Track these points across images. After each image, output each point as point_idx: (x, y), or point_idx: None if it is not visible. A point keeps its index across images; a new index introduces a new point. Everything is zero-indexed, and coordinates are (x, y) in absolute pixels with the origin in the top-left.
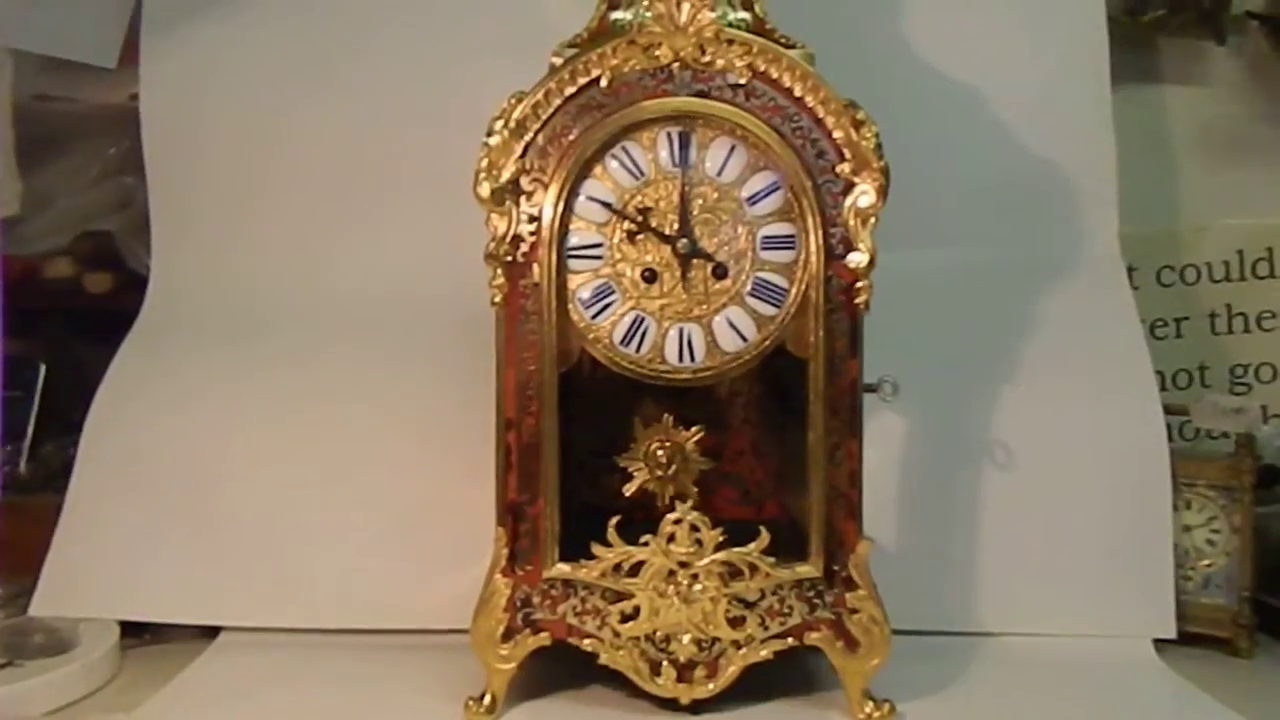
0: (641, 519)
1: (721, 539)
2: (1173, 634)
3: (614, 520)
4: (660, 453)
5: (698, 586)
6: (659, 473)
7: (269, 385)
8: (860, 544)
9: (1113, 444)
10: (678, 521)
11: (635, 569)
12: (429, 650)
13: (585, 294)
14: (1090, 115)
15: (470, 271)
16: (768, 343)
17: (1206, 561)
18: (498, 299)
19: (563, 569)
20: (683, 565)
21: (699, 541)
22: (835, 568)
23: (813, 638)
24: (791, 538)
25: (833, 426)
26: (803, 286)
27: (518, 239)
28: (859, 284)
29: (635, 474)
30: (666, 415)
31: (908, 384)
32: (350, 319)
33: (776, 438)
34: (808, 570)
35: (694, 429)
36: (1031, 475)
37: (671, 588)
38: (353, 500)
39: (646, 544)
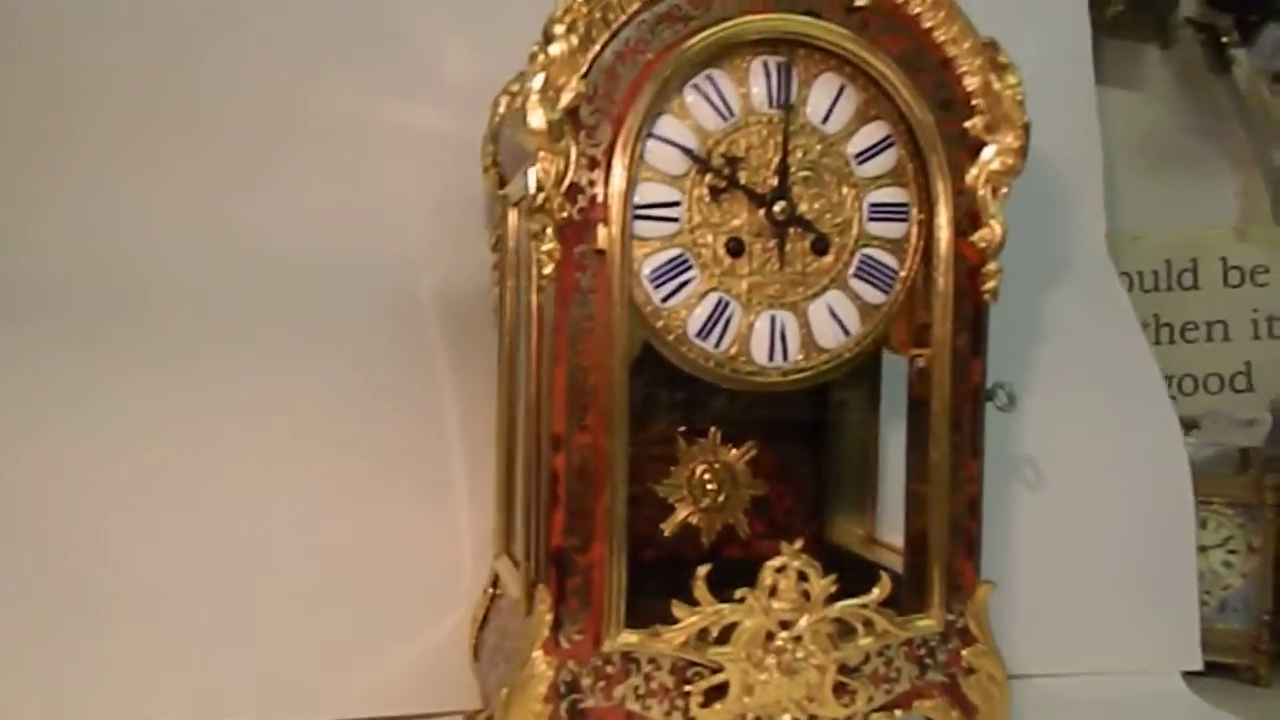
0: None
1: (833, 589)
2: (1199, 665)
3: (704, 569)
4: (707, 477)
5: (801, 652)
6: (705, 503)
7: (119, 399)
8: (980, 588)
9: (1129, 462)
10: (781, 569)
11: (724, 633)
12: None
13: (653, 268)
14: (1076, 113)
15: (391, 241)
16: (870, 339)
17: (1224, 584)
18: (548, 270)
19: (628, 639)
20: (783, 625)
21: (805, 594)
22: (950, 617)
23: (924, 707)
24: (857, 578)
25: (955, 442)
26: (915, 268)
27: (575, 189)
28: (988, 267)
29: (677, 505)
30: (713, 430)
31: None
32: (238, 304)
33: (812, 453)
34: (929, 624)
35: (745, 446)
36: (1050, 498)
37: (771, 656)
38: (250, 553)
39: (742, 600)
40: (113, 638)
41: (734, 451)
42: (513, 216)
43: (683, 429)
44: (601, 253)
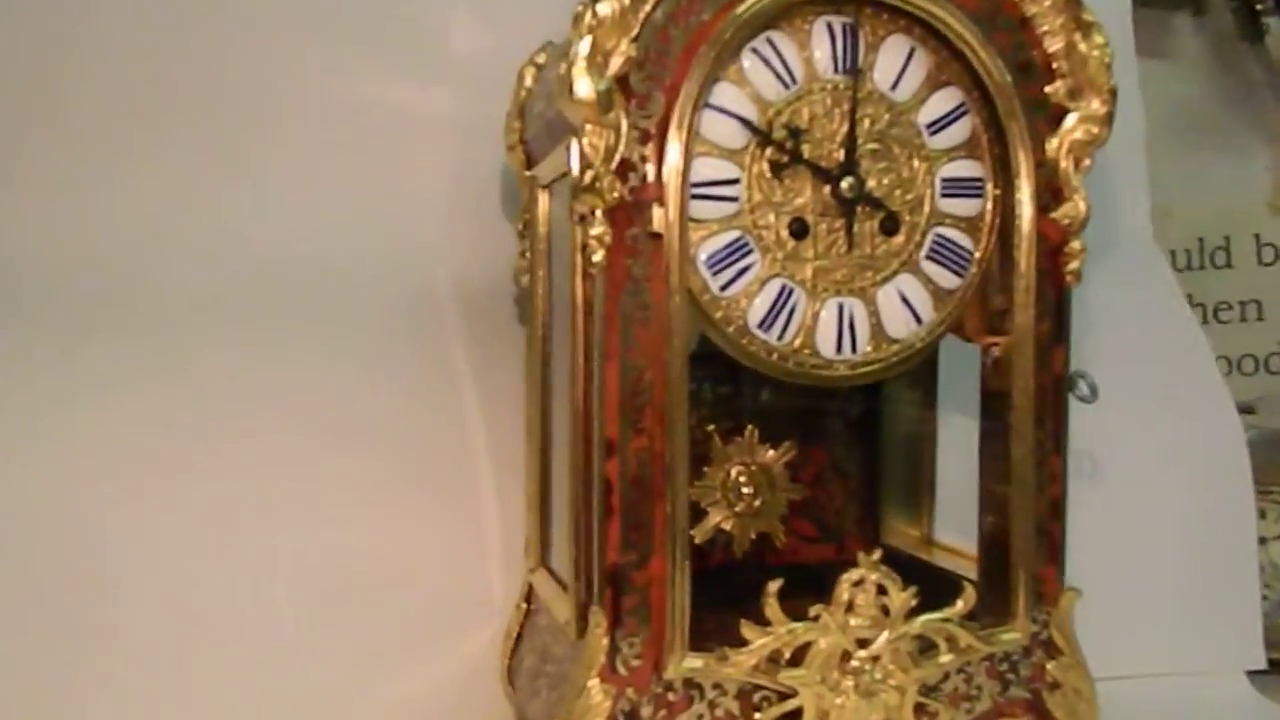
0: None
1: (914, 602)
2: (1263, 664)
3: (775, 584)
4: (743, 479)
5: (879, 673)
6: (739, 508)
7: (115, 403)
8: (1064, 595)
9: (1185, 453)
10: (858, 583)
11: (797, 655)
12: None
13: (711, 253)
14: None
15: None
16: (942, 327)
17: None
18: (598, 257)
19: (693, 664)
20: (860, 644)
21: (884, 609)
22: (1034, 629)
23: None
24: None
25: (1037, 438)
26: (990, 248)
27: (625, 166)
28: (1070, 245)
29: (710, 510)
30: (750, 428)
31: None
32: (242, 303)
33: (862, 451)
34: (1015, 638)
35: (783, 447)
36: (1103, 493)
37: (847, 678)
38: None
39: (817, 618)
40: (106, 660)
41: (771, 453)
42: (543, 199)
43: (711, 427)
44: (656, 236)
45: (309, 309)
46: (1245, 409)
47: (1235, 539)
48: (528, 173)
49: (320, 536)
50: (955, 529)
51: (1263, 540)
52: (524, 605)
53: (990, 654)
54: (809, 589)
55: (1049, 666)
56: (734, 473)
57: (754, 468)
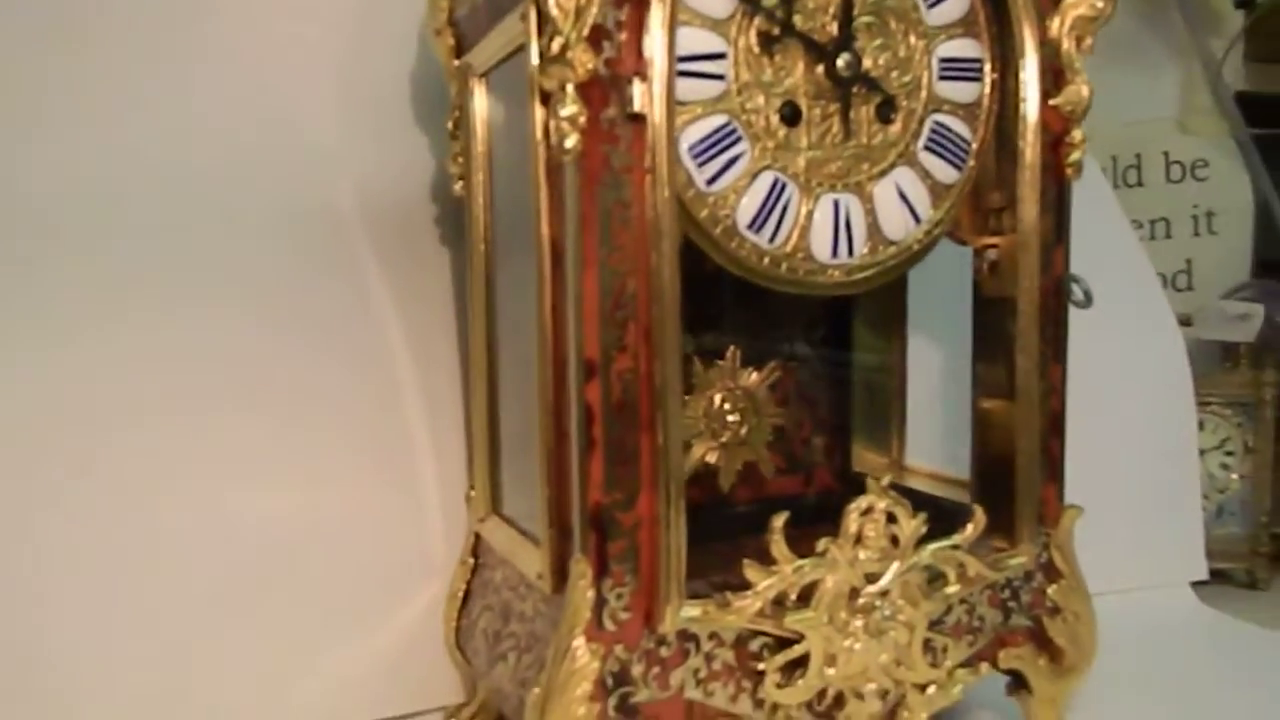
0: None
1: (925, 529)
2: (1205, 575)
3: (780, 518)
4: (727, 407)
5: (888, 609)
6: (725, 437)
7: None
8: (1065, 514)
9: (1130, 366)
10: (867, 511)
11: (802, 595)
12: None
13: (695, 140)
14: None
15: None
16: (939, 227)
17: (1220, 488)
18: (571, 142)
19: (691, 613)
20: (869, 579)
21: (894, 539)
22: (1035, 552)
23: (1009, 657)
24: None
25: (1040, 347)
26: (987, 139)
27: (599, 34)
28: (1072, 135)
29: (693, 441)
30: (732, 349)
31: None
32: (127, 242)
33: (829, 374)
34: (1021, 562)
35: (767, 367)
36: None
37: (856, 617)
38: (166, 543)
39: (824, 553)
40: (26, 629)
41: (755, 375)
42: (480, 92)
43: (689, 350)
44: (637, 119)
45: (201, 245)
46: (1182, 321)
47: (1177, 452)
48: (458, 61)
49: (234, 502)
50: (923, 453)
51: (1202, 452)
52: (470, 560)
53: (992, 582)
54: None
55: (1050, 591)
56: (718, 399)
57: (738, 392)
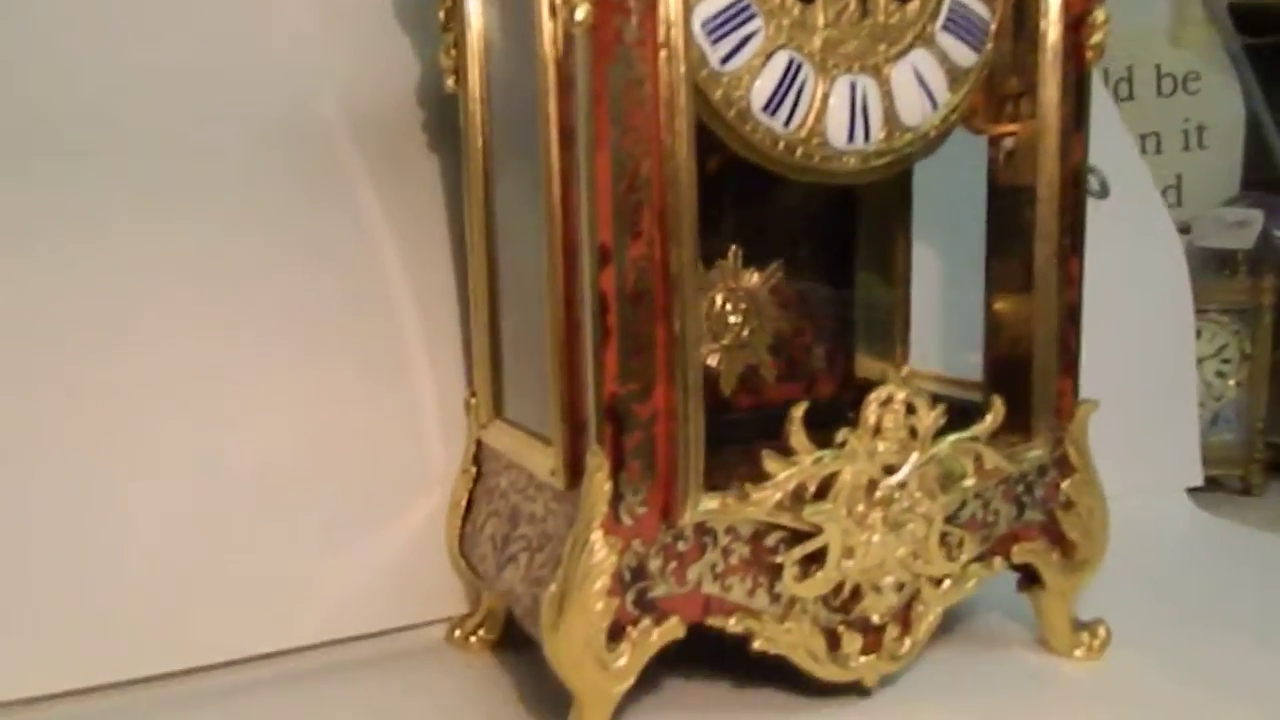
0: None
1: (943, 420)
2: (1200, 481)
3: (798, 409)
4: (729, 308)
5: (906, 501)
6: (726, 340)
7: None
8: (1080, 408)
9: (1130, 274)
10: (886, 402)
11: (821, 488)
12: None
13: (708, 17)
14: None
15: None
16: (956, 112)
17: (1216, 396)
18: (582, 14)
19: (709, 506)
20: (887, 471)
21: (913, 430)
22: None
23: (1022, 551)
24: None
25: (1059, 238)
26: (1004, 19)
27: None
28: (1093, 16)
29: None
30: (734, 249)
31: None
32: (105, 150)
33: (833, 276)
34: (1038, 455)
35: (770, 268)
36: None
37: (875, 509)
38: (155, 462)
39: (843, 444)
40: (18, 551)
41: (756, 276)
42: None
43: None
44: None
45: (181, 157)
46: (1180, 229)
47: (1175, 360)
48: None
49: (229, 417)
50: (927, 359)
51: (1199, 360)
52: (472, 469)
53: (1007, 476)
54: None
55: (1063, 485)
56: (719, 300)
57: (739, 293)
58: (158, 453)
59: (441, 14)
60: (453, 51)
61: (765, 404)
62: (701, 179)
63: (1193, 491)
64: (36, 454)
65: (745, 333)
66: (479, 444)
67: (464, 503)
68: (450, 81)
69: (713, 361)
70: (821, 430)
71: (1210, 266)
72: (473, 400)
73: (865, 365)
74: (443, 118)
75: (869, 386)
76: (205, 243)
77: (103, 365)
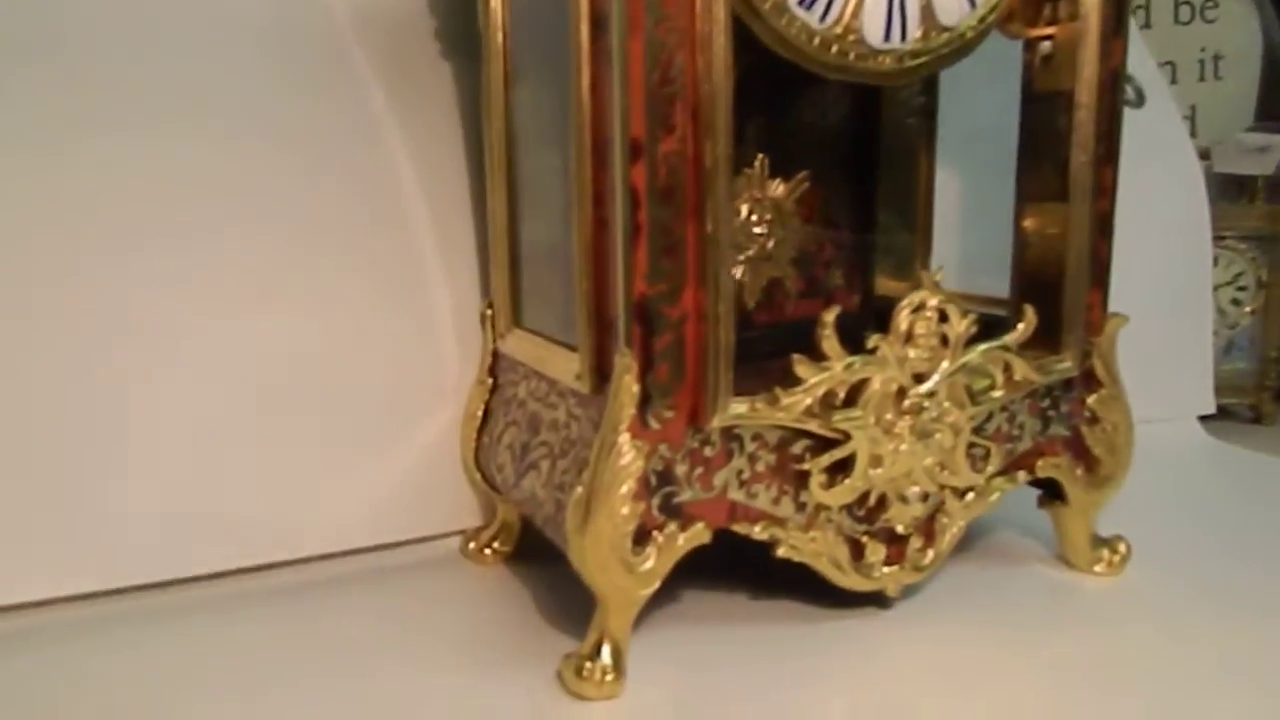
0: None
1: (974, 330)
2: (1212, 409)
3: (830, 314)
4: (754, 219)
5: (935, 410)
6: (752, 251)
7: None
8: (1110, 322)
9: (1150, 198)
10: (918, 309)
11: (849, 395)
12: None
13: None
14: None
15: None
16: (994, 14)
17: (1230, 324)
18: None
19: (738, 410)
20: (916, 379)
21: (944, 339)
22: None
23: (1046, 466)
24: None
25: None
26: None
27: None
28: None
29: None
30: (760, 157)
31: None
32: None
33: (854, 189)
34: (1066, 367)
35: (796, 178)
36: None
37: (903, 418)
38: (179, 370)
39: (874, 350)
40: (27, 474)
41: (782, 186)
42: None
43: None
44: None
45: (186, 66)
46: (1200, 154)
47: (1192, 287)
48: None
49: (244, 329)
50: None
51: (1214, 287)
52: (488, 380)
53: (1033, 389)
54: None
55: (1089, 400)
56: (744, 210)
57: (765, 203)
58: (168, 360)
59: None
60: None
61: (785, 319)
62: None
63: (1204, 419)
64: (47, 359)
65: (770, 244)
66: (495, 355)
67: (480, 414)
68: None
69: (737, 274)
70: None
71: (1228, 193)
72: (488, 311)
73: (886, 283)
74: (458, 20)
75: (890, 304)
76: (211, 150)
77: (110, 270)
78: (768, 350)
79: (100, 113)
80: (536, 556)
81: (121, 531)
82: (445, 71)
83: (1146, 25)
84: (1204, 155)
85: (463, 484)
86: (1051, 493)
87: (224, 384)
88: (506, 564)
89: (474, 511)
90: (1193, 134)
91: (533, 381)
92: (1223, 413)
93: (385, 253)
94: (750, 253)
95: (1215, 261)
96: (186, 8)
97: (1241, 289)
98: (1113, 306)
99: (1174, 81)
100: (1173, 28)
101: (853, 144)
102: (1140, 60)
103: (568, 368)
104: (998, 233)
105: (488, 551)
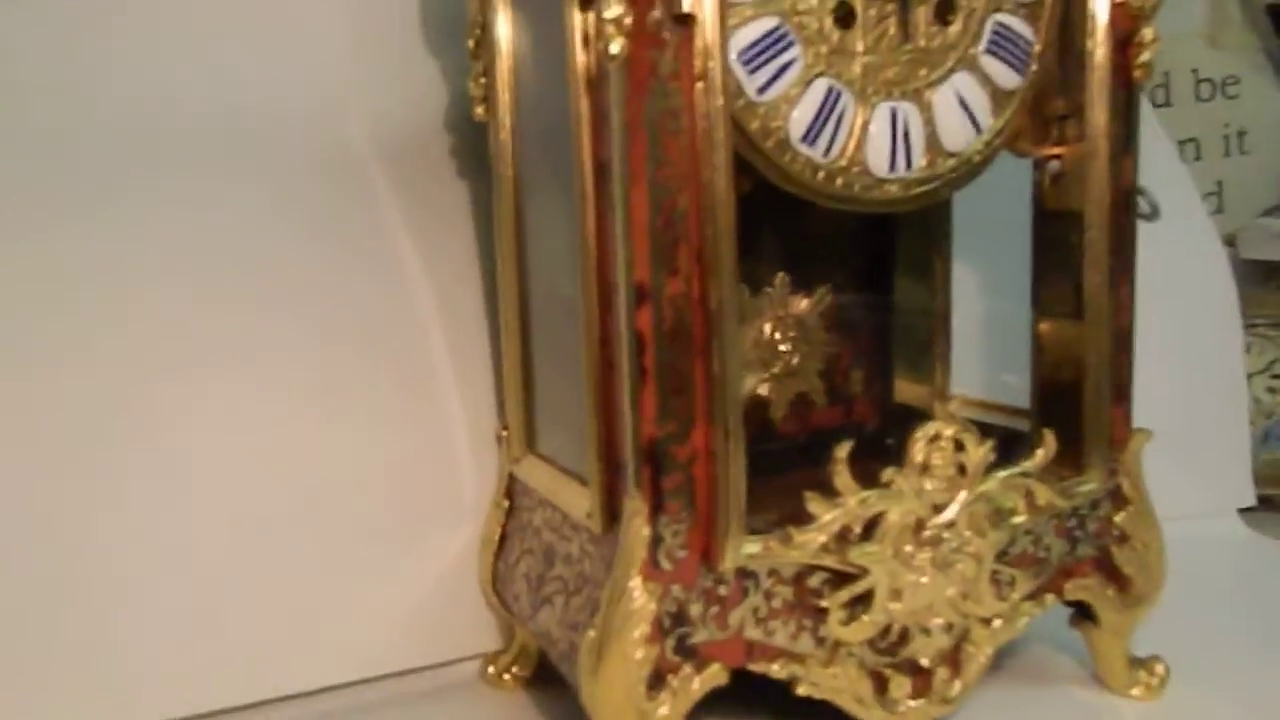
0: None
1: (993, 457)
2: (1252, 501)
3: (844, 448)
4: (778, 336)
5: (955, 540)
6: (777, 368)
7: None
8: (1134, 437)
9: (1174, 287)
10: (934, 439)
11: (866, 529)
12: None
13: (745, 46)
14: None
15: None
16: (1001, 136)
17: (1267, 412)
18: (617, 48)
19: (751, 550)
20: (935, 509)
21: (961, 467)
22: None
23: (1075, 588)
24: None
25: (1109, 262)
26: (1049, 39)
27: None
28: (1141, 34)
29: (743, 373)
30: (782, 275)
31: None
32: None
33: (872, 299)
34: (1092, 489)
35: (818, 292)
36: None
37: (923, 550)
38: (178, 481)
39: (889, 484)
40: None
41: (805, 302)
42: (502, 6)
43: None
44: (685, 19)
45: (205, 186)
46: (1225, 241)
47: (1224, 376)
48: None
49: (253, 442)
50: (969, 381)
51: (1248, 376)
52: (505, 502)
53: (1059, 510)
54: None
55: (1117, 519)
56: (767, 329)
57: (788, 320)
58: (177, 479)
59: (471, 42)
60: (482, 80)
61: (810, 429)
62: (742, 203)
63: (1244, 512)
64: (54, 457)
65: (795, 360)
66: (511, 477)
67: (497, 538)
68: (479, 110)
69: (764, 391)
70: (865, 459)
71: (1257, 278)
72: (504, 432)
73: (907, 389)
74: (473, 143)
75: (912, 411)
76: (220, 272)
77: (121, 376)
78: (793, 461)
79: (110, 230)
80: (556, 682)
81: (129, 669)
82: (462, 191)
83: (1167, 103)
84: (1229, 241)
85: (481, 606)
86: (1083, 613)
87: (233, 507)
88: (526, 689)
89: (493, 634)
90: (1220, 209)
91: (547, 510)
92: (1264, 503)
93: (400, 370)
94: (776, 370)
95: (1247, 349)
96: (206, 126)
97: (1276, 376)
98: (1142, 398)
99: (1198, 158)
100: (1195, 104)
101: (871, 251)
102: (1159, 145)
103: (579, 504)
104: (1017, 332)
105: (507, 676)
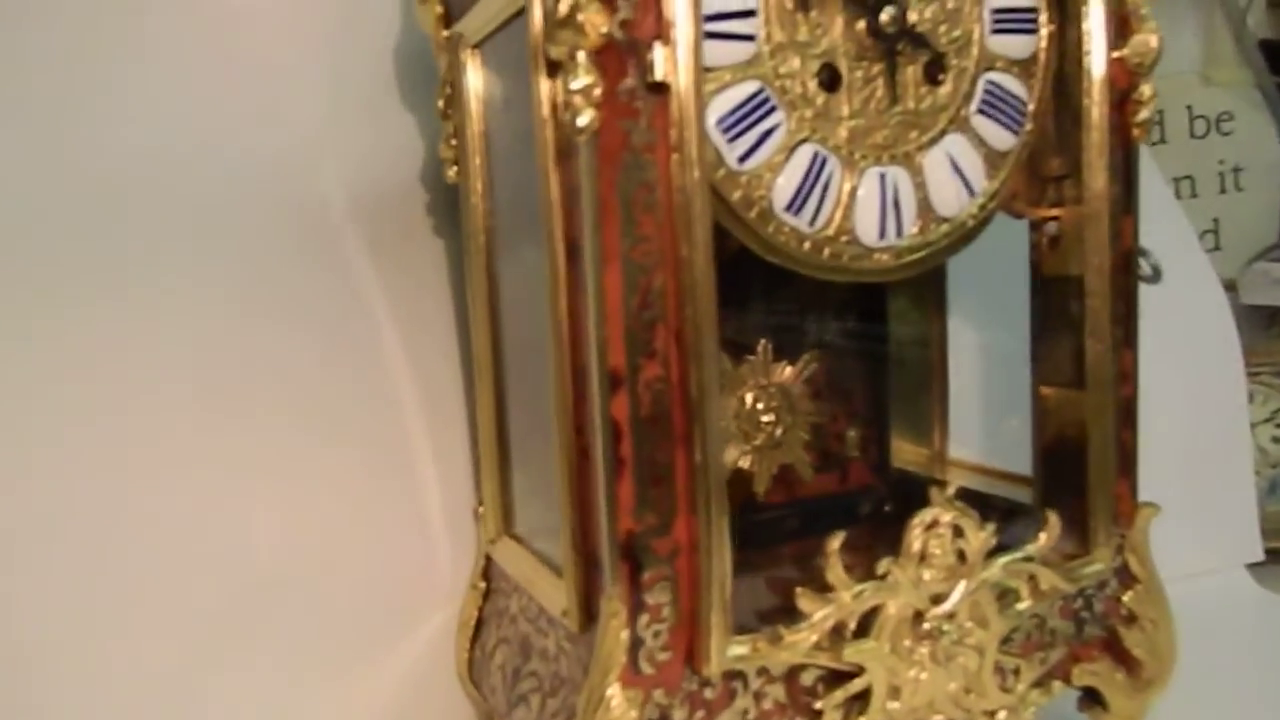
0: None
1: (994, 541)
2: (1260, 556)
3: (836, 540)
4: (760, 406)
5: (955, 633)
6: (759, 440)
7: None
8: (1141, 513)
9: (1175, 336)
10: (931, 526)
11: (862, 624)
12: None
13: (725, 112)
14: None
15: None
16: (995, 200)
17: (1273, 463)
18: (586, 119)
19: (738, 652)
20: (934, 601)
21: (960, 555)
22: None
23: (1083, 673)
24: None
25: (1110, 330)
26: (1044, 99)
27: None
28: (1139, 91)
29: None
30: (764, 343)
31: None
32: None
33: (864, 363)
34: (1098, 570)
35: (802, 360)
36: None
37: (922, 644)
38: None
39: (884, 576)
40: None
41: (788, 369)
42: (472, 66)
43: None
44: (659, 88)
45: (176, 246)
46: (1226, 285)
47: (1228, 427)
48: (447, 32)
49: (221, 519)
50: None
51: (1252, 425)
52: (481, 584)
53: (1065, 593)
54: (823, 526)
55: (1125, 599)
56: (749, 399)
57: (771, 389)
58: (144, 554)
59: (440, 102)
60: (453, 142)
61: (800, 498)
62: (722, 268)
63: (1253, 567)
64: (26, 548)
65: (779, 431)
66: (488, 559)
67: (473, 622)
68: (451, 173)
69: (745, 464)
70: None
71: (1259, 323)
72: (481, 510)
73: (905, 452)
74: (448, 203)
75: (906, 476)
76: (204, 333)
77: (91, 457)
78: (782, 533)
79: (83, 290)
80: None
81: None
82: (439, 250)
83: (1162, 140)
84: (1229, 286)
85: (457, 692)
86: (1092, 697)
87: (200, 598)
88: None
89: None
90: (1217, 246)
91: (523, 598)
92: (1272, 556)
93: (376, 442)
94: (758, 442)
95: (1251, 398)
96: (172, 185)
97: None
98: (1145, 452)
99: (1194, 195)
100: (1189, 142)
101: (859, 314)
102: (1155, 189)
103: (555, 598)
104: (1017, 395)
105: None
